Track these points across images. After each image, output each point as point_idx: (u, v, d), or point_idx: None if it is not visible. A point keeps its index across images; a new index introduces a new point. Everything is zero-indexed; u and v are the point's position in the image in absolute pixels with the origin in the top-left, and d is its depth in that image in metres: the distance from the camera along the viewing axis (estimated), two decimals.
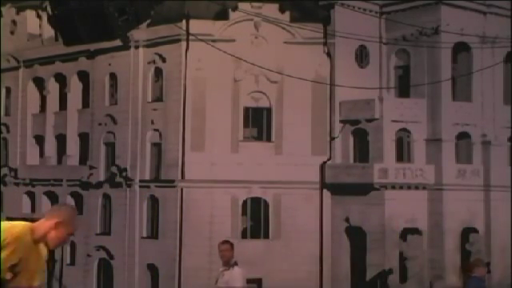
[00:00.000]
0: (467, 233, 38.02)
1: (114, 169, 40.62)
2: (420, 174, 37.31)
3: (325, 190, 38.48)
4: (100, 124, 41.98)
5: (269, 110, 39.12)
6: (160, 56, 39.51)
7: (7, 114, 47.74)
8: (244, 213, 38.54)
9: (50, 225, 5.44)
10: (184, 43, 38.28)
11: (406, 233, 37.48)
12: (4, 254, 5.25)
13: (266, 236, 38.60)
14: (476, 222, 38.21)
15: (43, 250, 5.53)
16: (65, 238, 5.50)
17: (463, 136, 38.74)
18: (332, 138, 38.79)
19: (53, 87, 45.44)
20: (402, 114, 37.88)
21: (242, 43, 37.55)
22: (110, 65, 41.19)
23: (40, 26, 45.11)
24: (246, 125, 39.11)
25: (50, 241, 5.48)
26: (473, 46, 38.36)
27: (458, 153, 38.64)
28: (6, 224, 5.39)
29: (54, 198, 44.14)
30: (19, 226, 5.41)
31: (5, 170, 46.19)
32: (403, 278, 37.14)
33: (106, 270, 41.10)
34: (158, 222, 39.10)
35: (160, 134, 39.55)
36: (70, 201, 43.20)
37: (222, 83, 38.09)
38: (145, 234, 39.68)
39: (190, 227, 37.73)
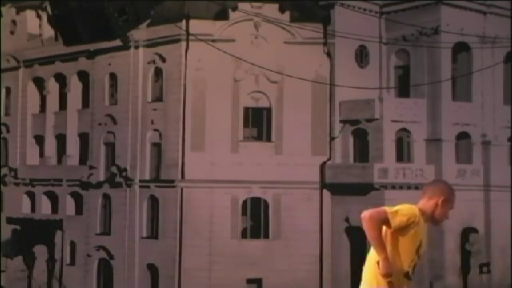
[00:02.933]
0: (467, 233, 38.00)
1: (113, 169, 40.62)
2: (420, 174, 37.30)
3: (325, 190, 38.48)
4: (100, 124, 41.98)
5: (269, 109, 39.12)
6: (160, 56, 39.51)
7: (7, 113, 47.72)
8: (244, 213, 38.54)
9: (436, 203, 5.70)
10: (184, 43, 38.29)
11: None
12: (410, 234, 5.55)
13: (266, 236, 38.60)
14: (476, 222, 38.20)
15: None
16: (447, 214, 5.77)
17: (463, 136, 38.74)
18: (332, 138, 38.79)
19: (53, 87, 45.43)
20: (401, 114, 37.88)
21: (241, 43, 37.55)
22: (110, 65, 41.19)
23: (40, 26, 45.09)
24: (246, 125, 39.11)
25: (438, 218, 5.76)
26: (473, 46, 38.36)
27: (458, 153, 38.64)
28: (405, 206, 5.59)
29: (53, 198, 44.15)
30: (413, 208, 5.64)
31: (5, 170, 46.18)
32: None
33: (106, 270, 41.10)
34: (158, 222, 39.10)
35: (160, 134, 39.55)
36: (70, 201, 43.25)
37: (222, 83, 38.10)
38: (145, 234, 39.68)
39: (190, 227, 37.72)
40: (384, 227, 5.54)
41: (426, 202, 5.74)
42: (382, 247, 5.49)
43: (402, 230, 5.57)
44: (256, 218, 38.77)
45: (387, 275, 5.46)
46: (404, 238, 5.59)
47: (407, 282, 5.62)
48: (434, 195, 5.72)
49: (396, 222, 5.50)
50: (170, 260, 38.04)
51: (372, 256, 5.62)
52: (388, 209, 5.54)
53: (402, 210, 5.57)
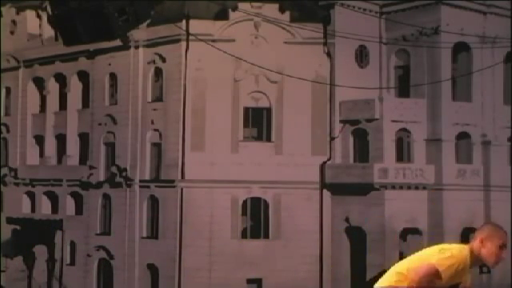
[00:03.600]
0: (467, 233, 37.96)
1: (113, 169, 40.63)
2: (420, 174, 37.30)
3: (325, 190, 38.47)
4: (100, 124, 41.97)
5: (269, 109, 39.11)
6: (160, 56, 39.51)
7: (7, 114, 47.73)
8: (244, 213, 38.54)
9: (478, 243, 5.65)
10: (184, 43, 38.29)
11: (406, 233, 37.48)
12: (448, 272, 5.45)
13: (266, 236, 38.59)
14: (476, 222, 38.11)
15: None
16: (497, 252, 5.59)
17: (463, 136, 38.73)
18: (332, 138, 38.78)
19: (53, 87, 45.44)
20: (401, 114, 37.87)
21: (241, 43, 37.55)
22: (110, 65, 41.19)
23: (40, 26, 45.09)
24: (246, 125, 39.10)
25: (484, 257, 5.63)
26: (473, 46, 38.35)
27: (458, 153, 38.64)
28: (456, 254, 5.52)
29: (53, 198, 44.15)
30: (463, 251, 5.59)
31: (5, 170, 46.19)
32: None
33: (106, 270, 41.10)
34: (158, 222, 39.10)
35: (160, 134, 39.54)
36: (70, 201, 43.26)
37: (222, 83, 38.10)
38: (145, 234, 39.68)
39: (190, 227, 37.72)
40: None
41: (474, 242, 5.71)
42: None
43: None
44: (256, 218, 38.76)
45: None
46: (449, 282, 5.57)
47: None
48: (479, 234, 5.74)
49: (446, 280, 5.47)
50: (170, 260, 38.04)
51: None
52: (440, 268, 5.43)
53: (451, 265, 5.48)
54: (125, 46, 37.38)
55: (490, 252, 5.61)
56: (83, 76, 43.68)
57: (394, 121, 37.74)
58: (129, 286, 39.58)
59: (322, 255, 38.18)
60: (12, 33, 46.69)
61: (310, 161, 38.22)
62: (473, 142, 38.93)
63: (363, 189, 36.99)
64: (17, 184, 45.85)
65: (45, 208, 44.30)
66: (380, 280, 5.65)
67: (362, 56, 39.74)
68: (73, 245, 42.24)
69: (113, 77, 41.64)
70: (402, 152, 38.18)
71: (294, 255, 37.29)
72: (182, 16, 37.34)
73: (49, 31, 42.22)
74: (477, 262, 5.65)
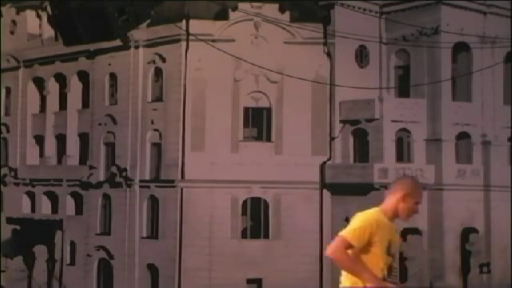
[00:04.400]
0: (467, 233, 38.00)
1: (113, 169, 40.63)
2: (420, 174, 37.26)
3: (325, 190, 38.48)
4: (100, 124, 41.98)
5: (269, 109, 39.12)
6: (160, 56, 39.51)
7: (7, 113, 47.73)
8: (244, 213, 38.54)
9: (397, 199, 5.76)
10: (184, 43, 38.29)
11: (406, 233, 37.44)
12: (375, 241, 5.60)
13: (266, 236, 38.60)
14: (476, 222, 38.20)
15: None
16: (414, 209, 5.78)
17: (463, 136, 38.74)
18: (332, 138, 38.78)
19: (53, 87, 45.44)
20: (401, 114, 37.87)
21: (242, 43, 37.55)
22: (110, 65, 41.19)
23: (40, 26, 45.09)
24: (246, 125, 39.11)
25: (402, 214, 5.80)
26: (473, 46, 38.36)
27: (458, 153, 38.64)
28: (359, 219, 5.70)
29: (54, 198, 44.15)
30: (368, 215, 5.73)
31: (5, 170, 46.19)
32: (403, 278, 37.13)
33: (106, 270, 41.10)
34: (158, 222, 39.10)
35: (160, 134, 39.55)
36: (70, 201, 43.26)
37: (222, 83, 38.10)
38: (145, 234, 39.68)
39: (190, 227, 37.72)
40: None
41: (388, 200, 5.81)
42: (361, 271, 5.50)
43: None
44: (256, 218, 38.76)
45: None
46: (370, 246, 5.59)
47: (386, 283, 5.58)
48: (396, 191, 5.78)
49: (357, 241, 5.53)
50: (170, 260, 38.04)
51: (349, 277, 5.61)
52: (345, 233, 5.55)
53: (358, 227, 5.59)
54: (125, 46, 37.33)
55: (407, 207, 5.77)
56: (83, 76, 43.68)
57: (394, 121, 37.75)
58: (129, 286, 39.58)
59: (322, 255, 38.14)
60: (12, 33, 46.69)
61: (310, 161, 38.22)
62: (473, 142, 38.94)
63: (363, 189, 36.95)
64: (17, 184, 45.85)
65: (45, 208, 44.30)
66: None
67: (362, 56, 39.74)
68: (73, 245, 42.24)
69: (113, 77, 41.65)
70: (402, 152, 38.19)
71: (294, 255, 37.28)
72: (182, 16, 37.34)
73: (49, 31, 42.22)
74: (393, 215, 5.79)
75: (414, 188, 5.79)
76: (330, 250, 5.49)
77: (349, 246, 5.51)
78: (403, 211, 5.77)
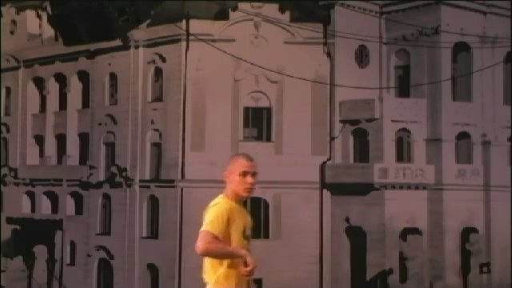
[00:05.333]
0: (467, 233, 38.00)
1: (113, 169, 40.62)
2: (420, 174, 37.30)
3: (325, 190, 38.46)
4: (100, 124, 41.97)
5: (269, 109, 39.11)
6: (160, 56, 39.51)
7: (7, 114, 47.72)
8: None
9: (228, 180, 5.73)
10: (184, 43, 38.27)
11: (406, 233, 37.47)
12: (231, 226, 5.57)
13: (266, 236, 38.58)
14: (476, 222, 38.20)
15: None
16: (244, 180, 5.69)
17: (463, 136, 38.73)
18: (332, 138, 38.77)
19: (53, 87, 45.43)
20: (401, 114, 37.87)
21: (242, 43, 37.54)
22: (110, 65, 41.19)
23: (40, 25, 45.08)
24: (246, 125, 39.09)
25: (238, 191, 5.72)
26: (473, 46, 38.36)
27: (458, 153, 38.64)
28: (213, 210, 5.65)
29: (53, 198, 44.15)
30: (219, 204, 5.69)
31: (5, 170, 46.18)
32: (403, 277, 37.14)
33: (106, 270, 41.09)
34: (158, 222, 39.09)
35: (160, 134, 39.54)
36: (70, 201, 43.25)
37: (222, 83, 38.08)
38: (145, 234, 39.67)
39: (190, 227, 37.61)
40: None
41: (226, 185, 5.77)
42: (233, 252, 5.52)
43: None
44: (256, 218, 38.74)
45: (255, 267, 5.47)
46: (229, 233, 5.58)
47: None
48: (224, 174, 5.77)
49: (219, 231, 5.50)
50: (170, 260, 38.03)
51: (213, 261, 5.61)
52: (206, 227, 5.51)
53: (216, 216, 5.56)
54: (125, 46, 37.43)
55: (237, 182, 5.70)
56: (83, 76, 43.68)
57: (394, 121, 37.74)
58: (129, 286, 39.57)
59: (322, 255, 38.17)
60: (12, 33, 46.68)
61: (310, 161, 38.21)
62: (473, 142, 38.93)
63: (363, 189, 36.98)
64: (17, 184, 45.84)
65: (45, 208, 44.30)
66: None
67: (362, 56, 39.73)
68: (73, 245, 42.23)
69: (113, 77, 41.64)
70: (402, 152, 38.19)
71: (294, 255, 37.27)
72: (182, 16, 37.32)
73: (49, 31, 42.20)
74: (236, 196, 5.71)
75: (233, 162, 5.76)
76: (198, 247, 5.46)
77: (213, 237, 5.47)
78: (237, 188, 5.70)
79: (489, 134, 39.01)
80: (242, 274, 5.46)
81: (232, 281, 5.61)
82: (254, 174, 5.80)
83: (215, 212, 5.61)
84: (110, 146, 41.74)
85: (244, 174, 5.72)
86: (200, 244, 5.45)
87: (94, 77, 42.67)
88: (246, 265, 5.43)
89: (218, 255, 5.53)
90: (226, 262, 5.57)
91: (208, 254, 5.50)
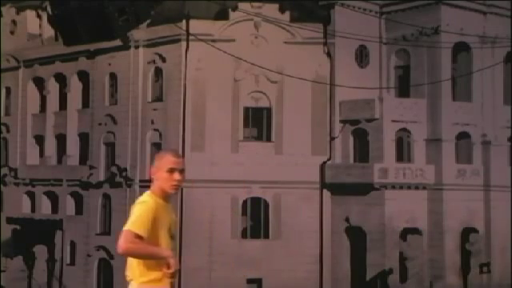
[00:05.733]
0: (467, 233, 38.01)
1: (113, 169, 40.62)
2: (420, 174, 37.31)
3: (325, 190, 38.47)
4: (100, 124, 41.98)
5: (269, 109, 39.11)
6: (160, 56, 39.51)
7: (7, 114, 47.74)
8: (244, 213, 38.54)
9: (155, 177, 5.63)
10: (184, 43, 38.28)
11: (406, 233, 37.48)
12: (157, 225, 5.47)
13: (266, 236, 38.59)
14: (476, 222, 38.21)
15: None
16: (171, 177, 5.59)
17: (463, 136, 38.74)
18: (332, 138, 38.78)
19: (53, 87, 45.44)
20: (401, 114, 37.87)
21: (242, 43, 37.55)
22: (110, 65, 41.19)
23: (40, 25, 45.10)
24: (246, 125, 39.10)
25: (165, 188, 5.62)
26: (473, 46, 38.37)
27: (458, 153, 38.65)
28: (138, 209, 5.55)
29: (54, 198, 44.16)
30: (144, 203, 5.59)
31: (5, 170, 46.20)
32: (403, 277, 37.15)
33: (106, 270, 41.09)
34: None
35: (160, 134, 39.54)
36: (70, 201, 43.25)
37: (222, 83, 38.09)
38: None
39: (190, 227, 37.71)
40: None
41: (153, 182, 5.68)
42: (156, 253, 5.41)
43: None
44: (256, 218, 38.76)
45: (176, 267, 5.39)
46: (155, 232, 5.48)
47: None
48: (151, 171, 5.67)
49: (143, 230, 5.40)
50: None
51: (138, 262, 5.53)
52: (128, 226, 5.40)
53: (140, 215, 5.47)
54: (125, 46, 37.44)
55: (163, 179, 5.60)
56: (83, 76, 43.68)
57: (394, 121, 37.75)
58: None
59: (322, 255, 38.18)
60: (12, 33, 46.70)
61: (310, 161, 38.22)
62: (473, 142, 38.95)
63: (363, 189, 36.99)
64: (17, 184, 45.84)
65: (45, 208, 44.30)
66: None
67: (362, 56, 39.73)
68: (73, 245, 42.23)
69: (113, 77, 41.64)
70: (402, 152, 38.20)
71: (294, 255, 37.28)
72: (182, 16, 37.33)
73: (49, 31, 42.22)
74: (163, 194, 5.63)
75: (159, 158, 5.66)
76: (119, 247, 5.35)
77: (136, 237, 5.36)
78: (164, 185, 5.60)
79: (489, 134, 39.02)
80: (164, 275, 5.39)
81: (157, 279, 5.47)
82: (181, 171, 5.67)
83: (140, 211, 5.51)
84: (110, 146, 41.74)
85: (171, 170, 5.61)
86: (121, 243, 5.33)
87: (94, 77, 42.67)
88: (168, 266, 5.35)
89: (140, 255, 5.43)
90: (152, 262, 5.46)
91: (129, 254, 5.39)
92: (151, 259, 5.44)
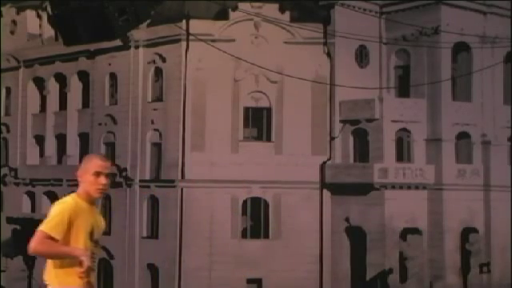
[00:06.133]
0: (467, 233, 38.02)
1: (113, 169, 40.61)
2: (420, 174, 37.30)
3: (325, 190, 38.48)
4: (100, 124, 41.98)
5: (269, 109, 39.11)
6: (160, 56, 39.51)
7: (7, 113, 47.73)
8: (244, 213, 38.54)
9: (81, 180, 5.59)
10: (184, 43, 38.28)
11: (405, 233, 37.48)
12: (76, 226, 5.44)
13: (266, 236, 38.60)
14: (476, 222, 38.21)
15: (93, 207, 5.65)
16: (97, 181, 5.54)
17: (463, 136, 38.74)
18: (332, 138, 38.78)
19: (53, 87, 45.44)
20: (401, 114, 37.87)
21: (241, 43, 37.55)
22: (110, 65, 41.19)
23: (40, 25, 45.09)
24: (246, 125, 39.10)
25: (90, 191, 5.58)
26: (473, 46, 38.37)
27: (458, 153, 38.64)
28: (55, 210, 5.50)
29: (53, 198, 44.07)
30: (64, 204, 5.53)
31: (5, 170, 46.19)
32: (403, 277, 37.15)
33: (106, 270, 41.09)
34: (158, 222, 39.09)
35: (160, 134, 39.55)
36: None
37: (222, 83, 38.09)
38: (145, 234, 39.68)
39: (190, 227, 37.72)
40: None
41: (79, 184, 5.63)
42: (67, 252, 5.38)
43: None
44: (256, 218, 38.76)
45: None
46: (72, 233, 5.45)
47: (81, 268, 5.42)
48: (77, 174, 5.63)
49: (57, 231, 5.38)
50: (170, 260, 38.04)
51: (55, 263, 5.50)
52: (43, 227, 5.40)
53: (56, 216, 5.43)
54: (125, 46, 37.45)
55: (89, 182, 5.55)
56: (83, 76, 43.68)
57: (394, 121, 37.75)
58: (129, 286, 39.58)
59: (322, 255, 38.18)
60: (12, 33, 46.69)
61: (310, 161, 38.22)
62: (473, 142, 38.94)
63: (363, 189, 36.99)
64: (17, 184, 45.84)
65: (45, 208, 44.21)
66: None
67: (361, 56, 39.73)
68: None
69: (113, 77, 41.64)
70: (402, 152, 38.19)
71: (294, 255, 37.29)
72: (182, 16, 37.34)
73: (49, 31, 42.22)
74: (88, 197, 5.58)
75: (87, 161, 5.62)
76: (30, 247, 5.34)
77: (47, 237, 5.35)
78: (89, 188, 5.55)
79: (489, 133, 39.02)
80: (77, 274, 5.37)
81: (73, 281, 5.43)
82: (107, 175, 5.61)
83: (55, 211, 5.48)
84: (110, 146, 41.74)
85: (98, 174, 5.56)
86: (31, 244, 5.34)
87: (94, 77, 42.67)
88: (81, 266, 5.33)
89: (50, 255, 5.41)
90: (65, 262, 5.43)
91: (38, 253, 5.36)
92: (62, 258, 5.40)
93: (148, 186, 39.50)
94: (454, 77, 38.72)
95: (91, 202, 5.62)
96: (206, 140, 38.28)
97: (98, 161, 5.63)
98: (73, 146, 44.03)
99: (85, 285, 5.44)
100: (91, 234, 5.58)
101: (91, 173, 5.56)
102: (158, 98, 39.90)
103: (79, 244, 5.46)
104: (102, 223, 5.77)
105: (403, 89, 39.52)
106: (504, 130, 39.44)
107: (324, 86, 37.60)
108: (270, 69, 33.58)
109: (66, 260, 5.41)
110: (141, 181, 39.78)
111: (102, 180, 5.57)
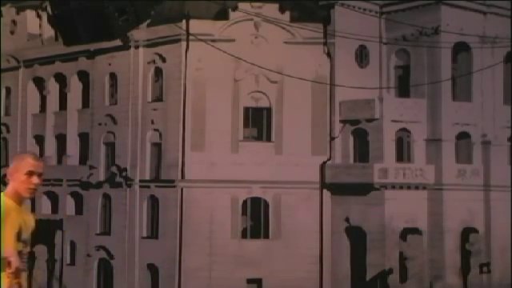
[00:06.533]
0: (467, 233, 38.02)
1: (113, 169, 40.61)
2: (420, 174, 37.30)
3: (325, 190, 38.47)
4: (100, 124, 41.97)
5: (269, 109, 39.12)
6: (160, 56, 39.51)
7: (7, 114, 47.72)
8: (244, 213, 38.54)
9: (12, 179, 5.44)
10: (184, 43, 38.28)
11: (405, 233, 37.48)
12: (5, 227, 5.31)
13: (266, 236, 38.60)
14: (476, 222, 38.21)
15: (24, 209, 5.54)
16: (28, 181, 5.41)
17: (463, 136, 38.74)
18: (332, 138, 38.78)
19: (53, 87, 45.43)
20: (401, 114, 37.87)
21: (241, 43, 37.55)
22: (110, 65, 41.19)
23: (40, 25, 45.10)
24: (246, 125, 39.10)
25: (20, 190, 5.44)
26: (473, 46, 38.37)
27: (458, 153, 38.64)
28: None
29: (54, 198, 44.14)
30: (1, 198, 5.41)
31: (5, 170, 46.06)
32: (403, 277, 37.14)
33: (106, 270, 41.10)
34: (158, 222, 39.09)
35: (160, 134, 39.55)
36: (70, 201, 43.25)
37: (222, 83, 38.09)
38: (145, 234, 39.68)
39: (190, 227, 37.72)
40: None
41: (9, 184, 5.50)
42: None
43: None
44: (256, 218, 38.76)
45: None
46: (1, 231, 5.33)
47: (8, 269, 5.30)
48: (8, 173, 5.49)
49: None
50: (170, 260, 38.04)
51: None
52: None
53: None
54: (125, 46, 37.45)
55: (20, 181, 5.42)
56: (83, 76, 43.68)
57: (394, 121, 37.75)
58: (129, 286, 39.58)
59: (322, 255, 38.18)
60: (12, 33, 46.68)
61: (310, 161, 38.22)
62: (473, 142, 38.94)
63: (363, 189, 36.99)
64: None
65: (45, 208, 44.28)
66: None
67: (361, 56, 39.73)
68: (73, 245, 42.22)
69: (113, 77, 41.64)
70: (402, 152, 38.19)
71: (294, 255, 37.29)
72: (182, 16, 37.34)
73: (49, 31, 42.23)
74: (18, 197, 5.46)
75: (18, 160, 5.47)
76: None
77: None
78: (20, 187, 5.42)
79: (489, 133, 39.02)
80: (7, 275, 5.33)
81: (3, 282, 5.31)
82: (40, 175, 5.48)
83: None
84: (110, 146, 41.74)
85: (30, 173, 5.43)
86: None
87: (93, 77, 42.67)
88: (9, 266, 5.30)
89: None
90: None
91: None
92: None
93: (148, 186, 39.49)
94: (454, 77, 38.72)
95: (19, 201, 5.51)
96: (206, 140, 38.29)
97: (31, 160, 5.48)
98: (73, 146, 44.04)
99: (14, 285, 5.38)
100: (19, 234, 5.49)
101: (24, 172, 5.43)
102: (158, 98, 39.91)
103: (6, 243, 5.35)
104: (31, 222, 5.70)
105: (403, 89, 39.53)
106: (504, 130, 39.44)
107: (324, 86, 37.60)
108: (269, 69, 33.59)
109: None
110: (141, 181, 39.78)
111: (35, 180, 5.45)
